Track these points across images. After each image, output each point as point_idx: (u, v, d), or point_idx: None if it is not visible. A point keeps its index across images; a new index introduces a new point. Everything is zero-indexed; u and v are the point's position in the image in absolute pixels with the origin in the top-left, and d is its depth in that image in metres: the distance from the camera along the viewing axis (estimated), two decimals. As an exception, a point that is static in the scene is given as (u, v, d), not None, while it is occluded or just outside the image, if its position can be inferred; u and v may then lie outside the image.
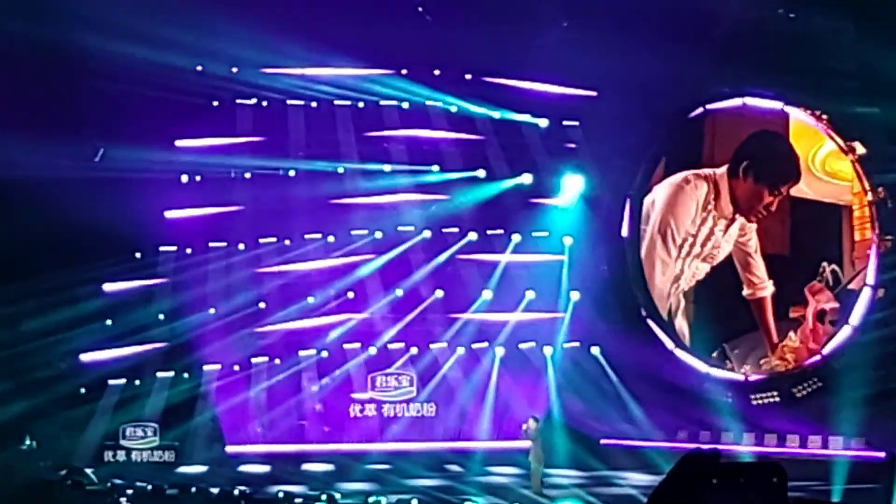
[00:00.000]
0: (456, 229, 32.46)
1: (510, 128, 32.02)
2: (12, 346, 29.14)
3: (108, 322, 31.09)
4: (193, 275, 31.74)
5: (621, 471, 29.29)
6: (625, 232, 31.82)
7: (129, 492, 23.90)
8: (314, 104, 31.87)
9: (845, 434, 27.74)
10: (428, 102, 32.02)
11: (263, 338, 32.14)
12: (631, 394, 30.89)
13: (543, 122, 32.06)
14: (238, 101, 31.72)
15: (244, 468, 30.59)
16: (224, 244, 32.13)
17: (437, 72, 31.78)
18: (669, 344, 31.11)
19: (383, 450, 31.55)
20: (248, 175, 32.19)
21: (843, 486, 25.11)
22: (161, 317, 31.54)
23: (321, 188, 31.77)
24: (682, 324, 31.34)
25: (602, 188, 32.02)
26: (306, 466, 30.71)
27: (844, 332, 28.26)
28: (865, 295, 27.87)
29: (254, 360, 32.13)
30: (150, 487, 24.37)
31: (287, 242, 32.33)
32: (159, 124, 30.40)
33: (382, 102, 32.07)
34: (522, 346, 32.38)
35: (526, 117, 31.96)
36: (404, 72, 31.82)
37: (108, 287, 31.37)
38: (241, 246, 32.21)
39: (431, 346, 32.57)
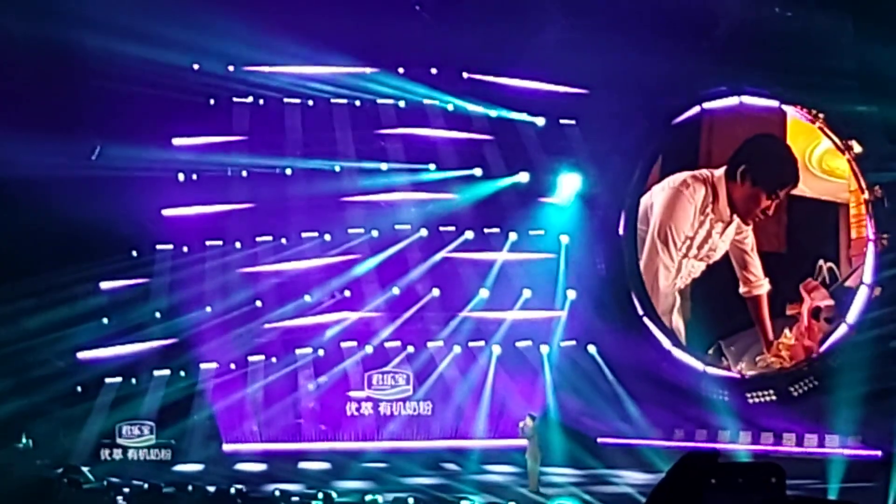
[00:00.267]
0: (452, 228, 32.44)
1: (507, 126, 31.99)
2: (9, 344, 29.11)
3: (105, 320, 31.07)
4: (190, 273, 31.72)
5: (618, 469, 29.30)
6: (621, 230, 31.81)
7: (126, 490, 23.92)
8: (311, 102, 31.83)
9: (842, 432, 27.76)
10: (425, 101, 31.97)
11: (260, 336, 32.12)
12: (627, 392, 30.88)
13: (540, 121, 32.04)
14: (234, 99, 31.67)
15: (241, 466, 30.59)
16: (220, 242, 32.10)
17: (434, 70, 31.74)
18: (666, 342, 31.12)
19: (380, 448, 31.55)
20: (244, 173, 32.16)
21: (840, 484, 25.14)
22: (158, 315, 31.52)
23: (317, 187, 31.73)
24: (678, 321, 31.35)
25: (599, 186, 32.01)
26: (303, 465, 30.70)
27: (841, 331, 28.30)
28: (862, 293, 27.90)
29: (250, 359, 32.12)
30: (146, 486, 24.38)
31: (283, 241, 32.32)
32: (156, 123, 30.38)
33: (379, 101, 32.03)
34: (519, 344, 32.36)
35: (523, 116, 31.94)
36: (401, 70, 31.78)
37: (105, 285, 31.35)
38: (238, 244, 32.19)
39: (428, 344, 32.56)
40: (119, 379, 31.17)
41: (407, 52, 31.05)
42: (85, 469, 27.30)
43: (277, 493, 23.54)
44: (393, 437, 31.94)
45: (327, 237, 32.42)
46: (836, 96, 27.47)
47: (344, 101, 31.94)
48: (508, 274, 32.42)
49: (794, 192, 29.09)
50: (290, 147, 31.98)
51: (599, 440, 31.01)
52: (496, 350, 32.32)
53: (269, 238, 32.29)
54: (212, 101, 31.51)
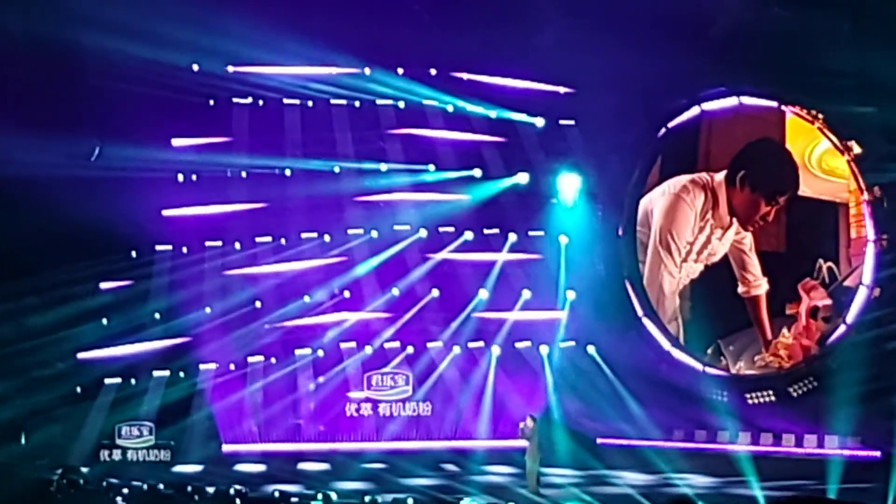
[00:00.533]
0: (452, 228, 32.43)
1: (506, 127, 31.98)
2: (8, 344, 29.10)
3: (104, 321, 31.04)
4: (189, 274, 31.69)
5: (618, 470, 29.29)
6: (620, 232, 31.79)
7: (125, 491, 23.85)
8: (310, 103, 31.82)
9: (841, 433, 27.76)
10: (424, 101, 31.96)
11: (259, 337, 32.09)
12: (627, 393, 30.87)
13: (539, 122, 32.04)
14: (234, 99, 31.65)
15: (240, 467, 30.58)
16: (220, 243, 32.09)
17: (433, 71, 31.74)
18: (665, 343, 31.11)
19: (379, 449, 31.54)
20: (243, 174, 32.14)
21: (839, 485, 25.13)
22: (157, 316, 31.50)
23: (317, 187, 31.72)
24: (679, 323, 31.36)
25: (598, 187, 31.99)
26: (302, 466, 30.69)
27: (840, 331, 28.30)
28: (861, 294, 27.90)
29: (250, 359, 32.10)
30: (145, 487, 24.36)
31: (283, 241, 32.31)
32: (155, 123, 30.34)
33: (378, 101, 32.02)
34: (519, 345, 32.36)
35: (522, 116, 31.93)
36: (400, 70, 31.78)
37: (105, 286, 31.33)
38: (237, 245, 32.18)
39: (428, 345, 32.54)
40: (118, 380, 31.15)
41: (406, 53, 31.05)
42: (84, 470, 27.33)
43: (277, 493, 23.50)
44: (393, 437, 31.92)
45: (327, 238, 32.41)
46: (835, 97, 27.48)
47: (343, 101, 31.92)
48: (508, 275, 32.41)
49: (794, 192, 29.17)
50: (289, 148, 31.96)
51: (599, 441, 31.01)
52: (496, 351, 32.31)
53: (269, 239, 32.28)
54: (211, 102, 31.48)
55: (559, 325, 32.19)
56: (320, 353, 32.32)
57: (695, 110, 30.60)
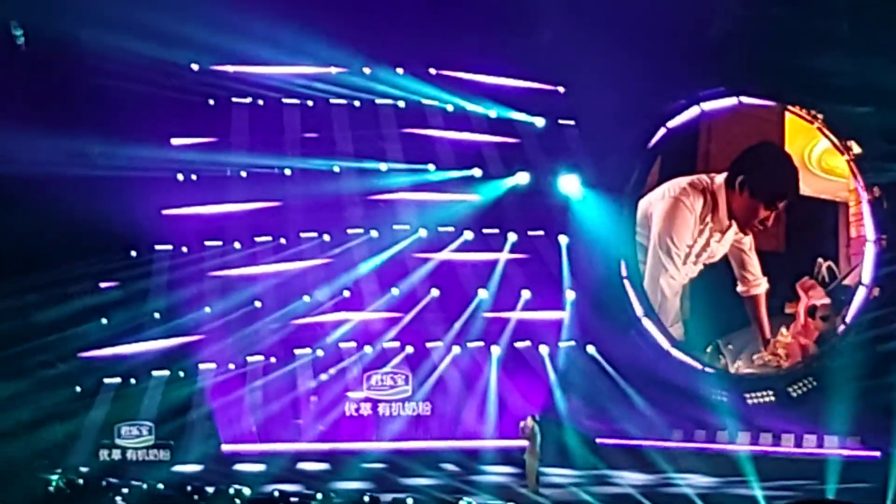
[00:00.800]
0: (451, 228, 32.43)
1: (506, 127, 31.97)
2: (6, 344, 29.09)
3: (104, 320, 31.03)
4: (188, 273, 31.68)
5: (617, 470, 29.29)
6: (620, 232, 31.77)
7: (125, 491, 23.89)
8: (310, 102, 31.81)
9: (840, 433, 27.77)
10: (424, 101, 31.94)
11: (258, 336, 32.07)
12: (627, 392, 30.87)
13: (539, 121, 32.03)
14: (233, 99, 31.64)
15: (239, 467, 30.57)
16: (219, 243, 32.08)
17: (432, 70, 31.73)
18: (665, 342, 31.11)
19: (379, 449, 31.53)
20: (243, 174, 32.12)
21: (838, 485, 25.14)
22: (157, 315, 31.48)
23: (316, 187, 31.70)
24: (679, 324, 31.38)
25: (597, 187, 31.97)
26: (301, 465, 30.69)
27: (840, 332, 28.31)
28: (861, 294, 27.91)
29: (249, 359, 32.09)
30: (145, 486, 24.36)
31: (282, 241, 32.30)
32: (155, 122, 30.33)
33: (378, 101, 32.01)
34: (518, 345, 32.36)
35: (521, 116, 31.93)
36: (400, 70, 31.77)
37: (104, 285, 31.32)
38: (237, 244, 32.17)
39: (427, 344, 32.54)
40: (118, 379, 31.14)
41: (406, 52, 31.05)
42: (83, 469, 27.33)
43: (276, 493, 23.50)
44: (392, 437, 31.92)
45: (326, 238, 32.40)
46: (834, 96, 27.48)
47: (343, 101, 31.90)
48: (507, 274, 32.40)
49: (794, 191, 29.19)
50: (288, 147, 31.94)
51: (598, 440, 31.01)
52: (496, 350, 32.31)
53: (268, 238, 32.27)
54: (210, 101, 31.46)
55: (559, 324, 32.19)
56: (320, 352, 32.31)
57: (694, 110, 30.60)
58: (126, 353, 31.23)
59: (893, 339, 27.21)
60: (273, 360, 32.17)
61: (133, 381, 31.29)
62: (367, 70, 31.54)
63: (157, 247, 31.73)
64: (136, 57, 28.66)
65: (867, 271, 27.87)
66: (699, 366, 30.38)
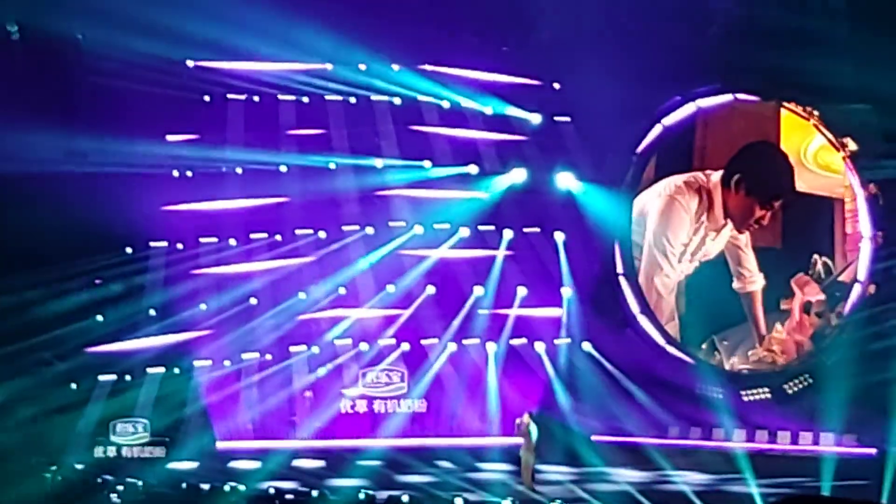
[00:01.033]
0: (447, 225, 32.40)
1: (502, 123, 31.96)
2: (2, 341, 29.04)
3: (99, 317, 30.99)
4: (184, 270, 31.64)
5: (613, 467, 29.26)
6: (616, 230, 31.76)
7: (120, 488, 23.84)
8: (305, 99, 31.78)
9: (836, 430, 27.78)
10: (420, 97, 31.91)
11: (254, 333, 32.03)
12: (622, 389, 30.87)
13: (536, 118, 32.02)
14: (229, 96, 31.60)
15: (235, 464, 30.53)
16: (215, 240, 32.04)
17: (428, 67, 31.69)
18: (660, 339, 31.11)
19: (374, 446, 31.49)
20: (238, 171, 32.08)
21: (834, 482, 25.13)
22: (152, 312, 31.44)
23: (312, 184, 31.66)
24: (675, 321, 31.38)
25: (593, 184, 31.96)
26: (297, 462, 30.64)
27: (836, 328, 28.32)
28: (857, 291, 27.93)
29: (244, 356, 32.05)
30: (140, 483, 24.32)
31: (278, 238, 32.27)
32: (151, 119, 30.27)
33: (374, 97, 31.98)
34: (515, 342, 32.34)
35: (518, 113, 31.91)
36: (395, 67, 31.73)
37: (99, 282, 31.27)
38: (233, 241, 32.13)
39: (423, 342, 32.51)
40: (113, 376, 31.09)
41: (401, 49, 31.01)
42: (78, 466, 27.27)
43: (272, 490, 23.48)
44: (388, 434, 31.88)
45: (322, 234, 32.37)
46: (831, 94, 27.49)
47: (339, 97, 31.88)
48: (504, 271, 32.38)
49: (790, 187, 29.18)
50: (285, 144, 31.91)
51: (594, 438, 30.98)
52: (492, 348, 32.29)
53: (264, 235, 32.24)
54: (206, 98, 31.41)
55: (556, 322, 32.18)
56: (315, 350, 32.29)
57: (690, 107, 30.60)
58: (121, 349, 31.17)
59: (889, 336, 27.21)
60: (269, 357, 32.14)
61: (128, 377, 31.23)
62: (362, 66, 31.51)
63: (153, 243, 31.67)
64: (131, 54, 28.62)
65: (863, 268, 27.90)
66: (695, 363, 30.36)
